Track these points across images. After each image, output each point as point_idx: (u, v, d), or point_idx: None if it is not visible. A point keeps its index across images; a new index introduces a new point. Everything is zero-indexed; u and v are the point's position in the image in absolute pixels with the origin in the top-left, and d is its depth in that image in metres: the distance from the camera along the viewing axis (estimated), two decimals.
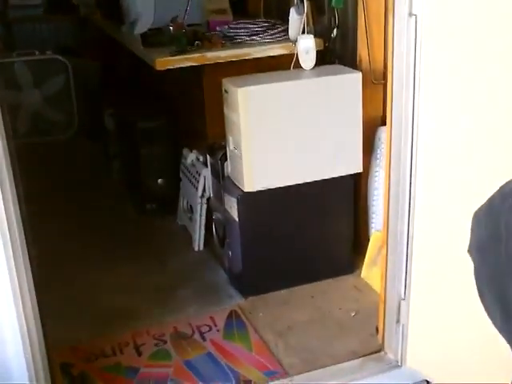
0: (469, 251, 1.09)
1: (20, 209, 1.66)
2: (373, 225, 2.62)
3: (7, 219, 1.63)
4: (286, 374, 2.12)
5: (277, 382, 2.09)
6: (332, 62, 2.63)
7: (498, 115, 1.67)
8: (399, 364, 2.09)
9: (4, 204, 1.62)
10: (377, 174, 2.57)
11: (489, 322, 1.11)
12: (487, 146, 1.71)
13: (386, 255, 2.05)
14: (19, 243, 1.67)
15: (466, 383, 1.91)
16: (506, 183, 1.04)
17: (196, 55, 2.65)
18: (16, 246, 1.66)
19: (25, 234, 1.69)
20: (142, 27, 3.04)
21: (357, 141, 2.47)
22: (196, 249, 2.90)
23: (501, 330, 1.02)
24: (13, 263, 1.66)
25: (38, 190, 2.79)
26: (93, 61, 4.49)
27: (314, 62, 2.52)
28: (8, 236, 1.64)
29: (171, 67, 2.64)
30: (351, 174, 2.51)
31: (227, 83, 2.42)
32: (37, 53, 4.65)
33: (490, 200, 1.05)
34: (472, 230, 1.08)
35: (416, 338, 2.05)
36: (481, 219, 1.06)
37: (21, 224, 1.68)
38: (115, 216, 3.27)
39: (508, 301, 0.96)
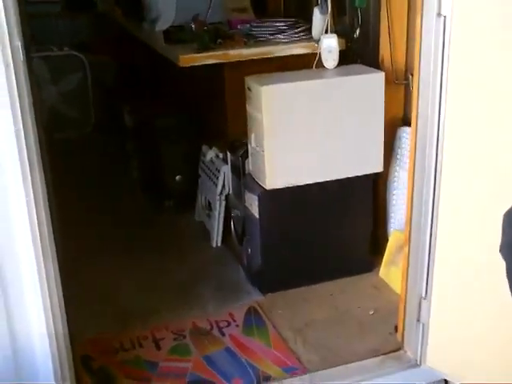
0: (501, 251, 1.11)
1: (50, 207, 1.68)
2: (391, 224, 2.63)
3: (38, 217, 1.65)
4: (305, 371, 2.13)
5: (296, 378, 2.10)
6: (354, 62, 2.64)
7: None
8: (418, 363, 2.10)
9: (35, 200, 1.64)
10: (396, 173, 2.58)
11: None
12: None
13: (408, 254, 2.06)
14: (48, 240, 1.70)
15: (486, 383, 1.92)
16: None
17: (219, 52, 2.67)
18: (45, 243, 1.69)
19: (53, 231, 1.71)
20: (163, 24, 3.07)
21: (378, 140, 2.48)
22: (214, 245, 2.91)
23: None
24: (42, 261, 1.69)
25: (55, 186, 2.82)
26: (110, 57, 4.51)
27: (337, 62, 2.53)
28: (38, 234, 1.66)
29: (195, 64, 2.65)
30: (371, 174, 2.53)
31: (250, 81, 2.44)
32: (54, 49, 4.68)
33: None
34: (503, 229, 1.09)
35: (436, 338, 2.05)
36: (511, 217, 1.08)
37: (50, 222, 1.70)
38: (133, 213, 3.29)
39: None
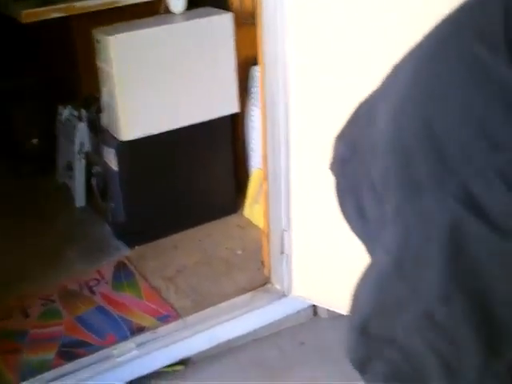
0: (330, 168, 1.14)
1: None
2: (252, 163, 2.66)
3: None
4: (178, 317, 2.13)
5: (170, 325, 2.10)
6: (203, 5, 2.60)
7: (370, 48, 1.71)
8: (286, 293, 2.15)
9: None
10: (253, 112, 2.60)
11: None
12: (357, 80, 1.76)
13: (267, 189, 2.09)
14: None
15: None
16: (359, 104, 1.08)
17: (64, 5, 2.53)
18: None
19: None
20: None
21: (231, 81, 2.48)
22: (78, 205, 2.82)
23: (360, 236, 1.08)
24: None
25: None
26: None
27: (184, 6, 2.49)
28: None
29: (39, 19, 2.51)
30: (228, 115, 2.53)
31: (98, 33, 2.36)
32: None
33: (348, 120, 1.10)
34: (334, 146, 1.13)
35: (301, 267, 2.11)
36: (341, 137, 1.12)
37: None
38: None
39: (363, 207, 1.01)
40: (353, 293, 1.01)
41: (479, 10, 0.84)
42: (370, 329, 0.95)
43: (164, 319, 2.15)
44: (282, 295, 2.15)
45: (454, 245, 0.82)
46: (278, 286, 2.17)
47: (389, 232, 0.91)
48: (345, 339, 1.00)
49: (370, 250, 1.03)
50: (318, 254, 2.04)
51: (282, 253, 2.12)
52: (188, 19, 2.46)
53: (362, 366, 0.97)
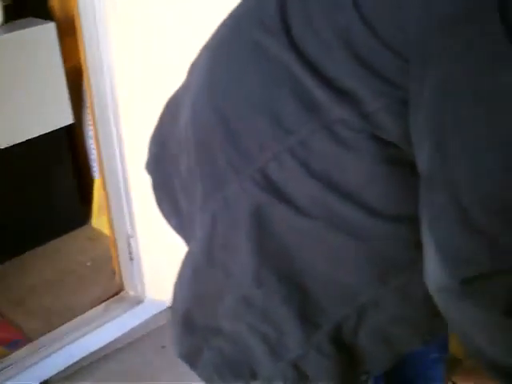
0: (145, 168, 1.15)
1: None
2: (95, 173, 2.61)
3: None
4: (29, 340, 2.04)
5: (20, 350, 2.00)
6: (24, 16, 2.51)
7: (189, 49, 1.72)
8: (141, 299, 2.13)
9: None
10: (90, 122, 2.55)
11: None
12: (178, 80, 1.77)
13: (108, 198, 2.06)
14: None
15: None
16: (166, 103, 1.10)
17: None
18: None
19: None
20: None
21: (63, 92, 2.41)
22: None
23: (178, 231, 1.10)
24: None
25: None
26: None
27: (2, 18, 2.39)
28: None
29: None
30: (64, 126, 2.46)
31: None
32: None
33: (158, 120, 1.12)
34: (149, 149, 1.13)
35: (152, 270, 2.10)
36: (152, 137, 1.13)
37: None
38: None
39: (177, 202, 1.03)
40: (173, 286, 1.02)
41: (256, 2, 0.88)
42: (194, 320, 0.96)
43: (13, 345, 2.04)
44: (138, 301, 2.12)
45: (259, 228, 0.85)
46: (132, 293, 2.14)
47: (197, 222, 0.94)
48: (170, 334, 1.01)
49: (187, 243, 1.05)
50: (165, 255, 2.03)
51: (132, 259, 2.10)
52: (8, 31, 2.36)
53: (191, 359, 0.98)
